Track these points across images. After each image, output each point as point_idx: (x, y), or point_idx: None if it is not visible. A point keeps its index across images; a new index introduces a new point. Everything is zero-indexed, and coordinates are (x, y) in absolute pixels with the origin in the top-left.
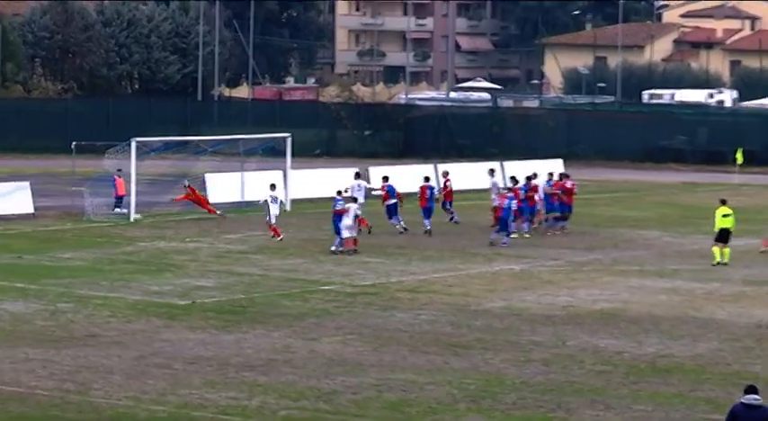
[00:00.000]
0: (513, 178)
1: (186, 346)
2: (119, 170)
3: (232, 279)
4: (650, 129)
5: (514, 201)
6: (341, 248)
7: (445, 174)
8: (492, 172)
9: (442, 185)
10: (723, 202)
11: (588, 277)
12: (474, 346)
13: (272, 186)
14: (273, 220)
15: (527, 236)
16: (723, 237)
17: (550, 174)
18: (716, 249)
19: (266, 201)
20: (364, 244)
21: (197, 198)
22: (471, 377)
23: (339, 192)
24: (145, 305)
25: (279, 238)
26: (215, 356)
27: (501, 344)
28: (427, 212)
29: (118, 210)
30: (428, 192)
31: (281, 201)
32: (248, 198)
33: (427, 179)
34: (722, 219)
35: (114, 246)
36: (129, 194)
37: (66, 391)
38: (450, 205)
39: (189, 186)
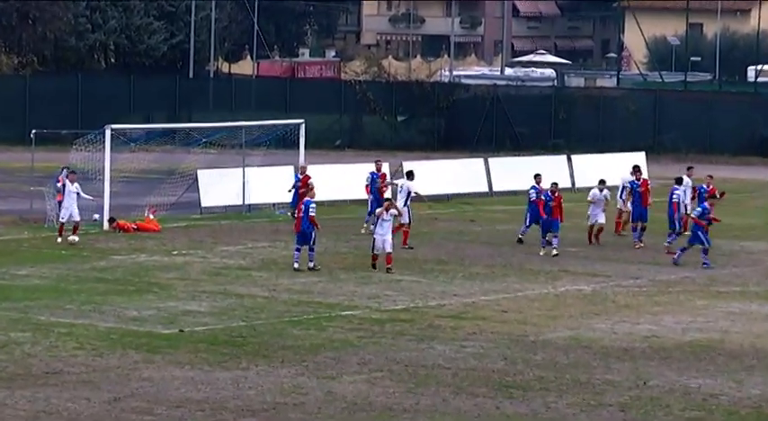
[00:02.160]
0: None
1: (172, 386)
2: (65, 168)
3: (229, 302)
4: (757, 114)
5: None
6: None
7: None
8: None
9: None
10: None
11: (677, 300)
12: (533, 387)
13: (68, 170)
14: (65, 219)
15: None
16: None
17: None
18: None
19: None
20: (394, 258)
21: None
22: None
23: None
24: (120, 334)
25: (59, 239)
26: (208, 399)
27: (567, 383)
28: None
29: (95, 216)
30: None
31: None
32: (252, 200)
33: (537, 177)
34: None
35: (83, 261)
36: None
37: None
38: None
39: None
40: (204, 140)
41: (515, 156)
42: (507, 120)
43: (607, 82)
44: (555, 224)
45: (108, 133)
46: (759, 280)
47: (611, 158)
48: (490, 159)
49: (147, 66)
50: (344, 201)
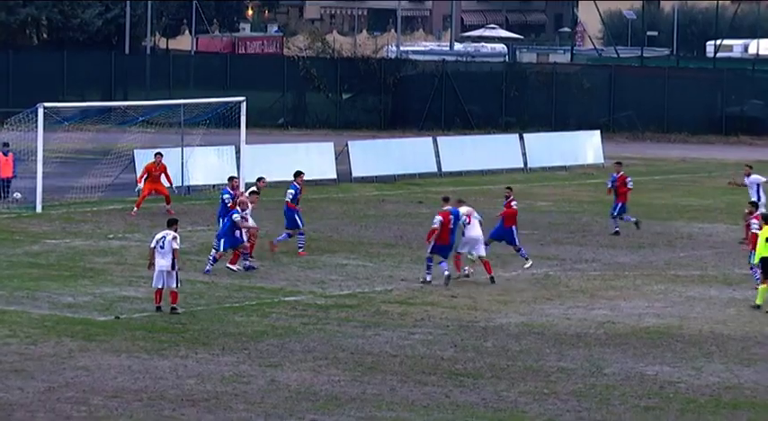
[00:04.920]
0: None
1: (108, 375)
2: (4, 145)
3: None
4: (716, 91)
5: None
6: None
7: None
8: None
9: None
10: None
11: (633, 284)
12: (484, 375)
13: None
14: None
15: None
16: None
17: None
18: (763, 288)
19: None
20: (339, 241)
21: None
22: (480, 414)
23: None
24: (54, 321)
25: None
26: (145, 388)
27: (519, 371)
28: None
29: (16, 195)
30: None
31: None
32: (191, 181)
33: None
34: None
35: (15, 245)
36: (16, 176)
37: None
38: None
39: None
40: (141, 119)
41: (465, 134)
42: (457, 98)
43: (560, 58)
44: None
45: (41, 112)
46: (718, 263)
47: (565, 137)
48: (439, 138)
49: (82, 41)
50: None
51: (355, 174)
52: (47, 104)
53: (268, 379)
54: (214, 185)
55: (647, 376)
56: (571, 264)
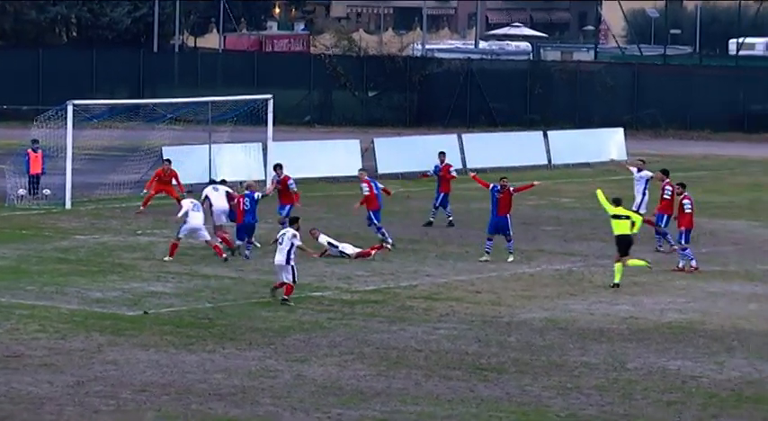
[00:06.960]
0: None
1: (136, 369)
2: (34, 142)
3: (196, 283)
4: (738, 88)
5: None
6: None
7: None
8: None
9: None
10: (617, 203)
11: (655, 280)
12: (508, 370)
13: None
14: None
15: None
16: (622, 246)
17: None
18: (618, 265)
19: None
20: (365, 237)
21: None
22: (504, 409)
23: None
24: (83, 316)
25: None
26: (173, 382)
27: (542, 366)
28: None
29: (46, 192)
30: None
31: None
32: (218, 178)
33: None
34: (615, 221)
35: (44, 241)
36: (45, 173)
37: None
38: None
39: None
40: (169, 116)
41: (490, 131)
42: (481, 95)
43: (584, 55)
44: None
45: (70, 109)
46: (740, 259)
47: (589, 134)
48: (464, 135)
49: (110, 40)
50: (314, 179)
51: (381, 170)
52: (76, 102)
53: (294, 373)
54: (241, 182)
55: (669, 371)
56: (594, 259)
